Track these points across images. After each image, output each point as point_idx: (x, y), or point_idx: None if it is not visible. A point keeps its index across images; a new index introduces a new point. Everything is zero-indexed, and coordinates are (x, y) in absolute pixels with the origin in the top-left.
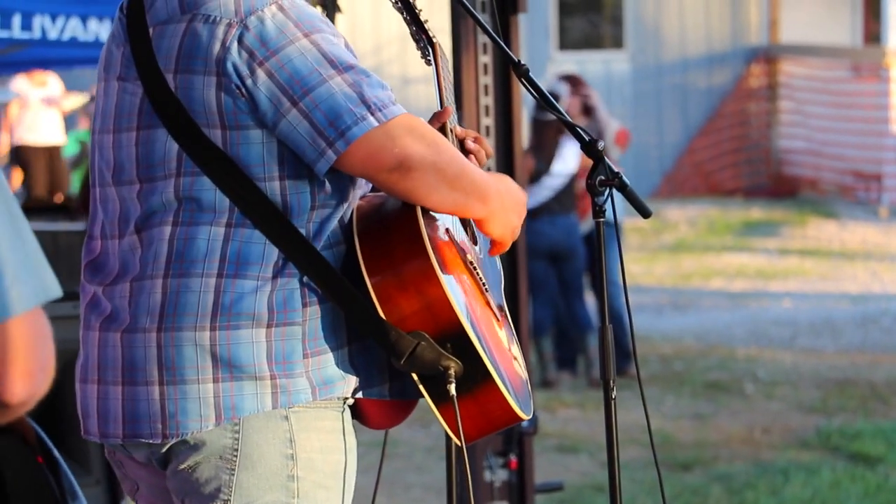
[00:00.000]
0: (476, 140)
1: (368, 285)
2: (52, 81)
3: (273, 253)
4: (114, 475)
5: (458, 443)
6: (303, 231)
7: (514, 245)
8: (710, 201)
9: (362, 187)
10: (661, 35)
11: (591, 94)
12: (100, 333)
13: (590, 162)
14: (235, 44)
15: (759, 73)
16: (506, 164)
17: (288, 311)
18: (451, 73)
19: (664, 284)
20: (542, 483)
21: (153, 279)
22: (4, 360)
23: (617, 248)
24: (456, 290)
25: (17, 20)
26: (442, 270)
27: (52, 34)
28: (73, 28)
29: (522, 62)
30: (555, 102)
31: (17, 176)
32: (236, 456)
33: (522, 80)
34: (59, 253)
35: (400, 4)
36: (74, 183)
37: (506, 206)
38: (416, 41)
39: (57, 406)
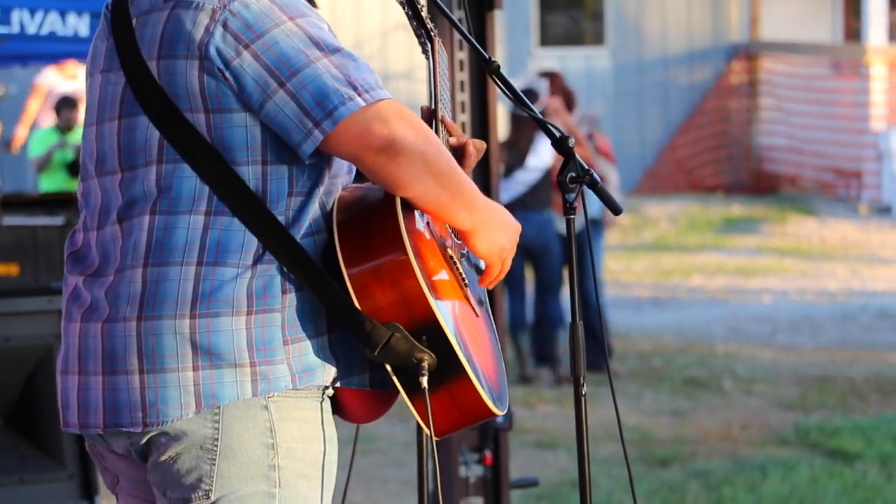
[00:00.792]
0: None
1: (345, 275)
2: (81, 74)
3: (253, 240)
4: (88, 469)
5: (428, 432)
6: (281, 218)
7: None
8: (691, 198)
9: (342, 177)
10: (643, 32)
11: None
12: (81, 325)
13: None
14: (220, 28)
15: (740, 70)
16: (482, 160)
17: (267, 298)
18: (447, 71)
19: (644, 281)
20: (517, 479)
21: (133, 269)
22: None
23: (600, 246)
24: (431, 282)
25: None
26: (418, 263)
27: (31, 29)
28: (51, 23)
29: (494, 59)
30: (525, 99)
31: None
32: (217, 446)
33: (493, 77)
34: (37, 247)
35: None
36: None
37: (494, 222)
38: (417, 36)
39: (31, 400)
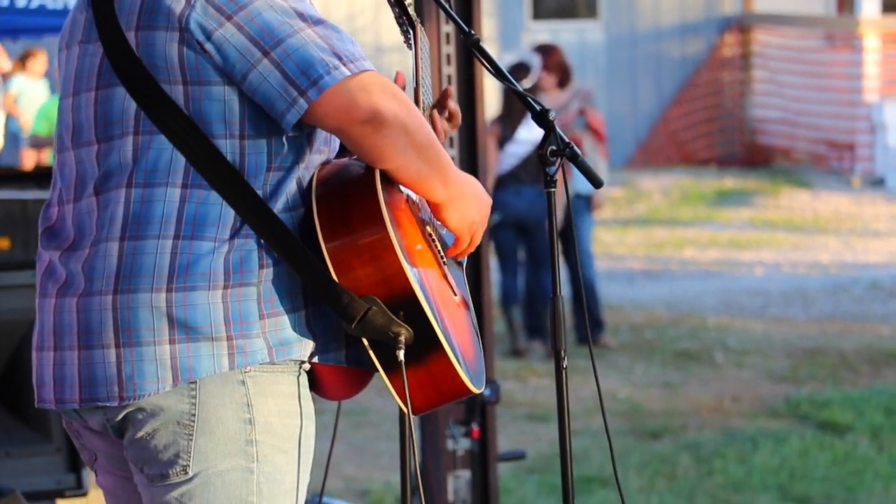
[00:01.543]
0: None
1: (323, 247)
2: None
3: (230, 214)
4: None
5: (406, 410)
6: (259, 192)
7: None
8: (684, 171)
9: (322, 154)
10: (635, 4)
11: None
12: (56, 300)
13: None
14: (201, 1)
15: (733, 43)
16: (468, 134)
17: (244, 272)
18: (429, 59)
19: (636, 253)
20: (505, 452)
21: (109, 242)
22: None
23: (589, 218)
24: (410, 257)
25: None
26: (397, 236)
27: (21, 2)
28: None
29: (474, 32)
30: (505, 72)
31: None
32: (194, 421)
33: (473, 50)
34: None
35: None
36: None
37: (466, 196)
38: (399, 24)
39: (17, 374)
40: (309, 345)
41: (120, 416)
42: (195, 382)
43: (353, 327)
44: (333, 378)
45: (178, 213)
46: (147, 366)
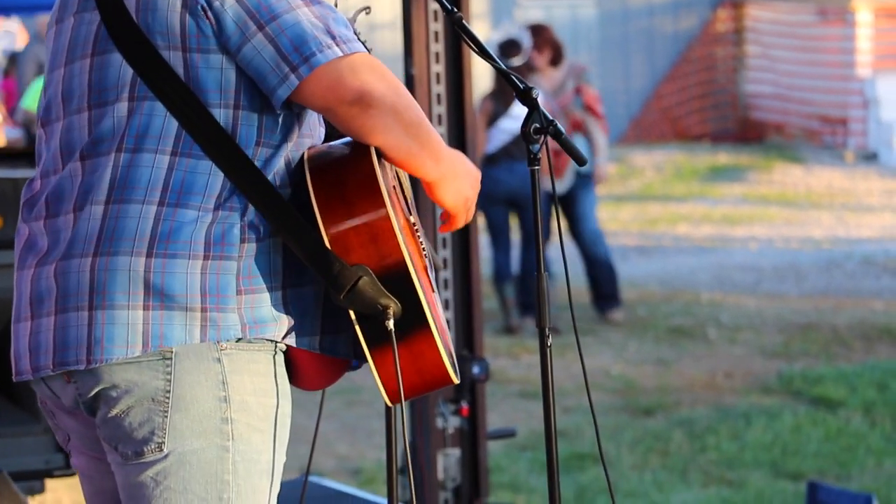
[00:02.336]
0: None
1: (317, 215)
2: None
3: (217, 184)
4: None
5: (390, 402)
6: None
7: None
8: (677, 146)
9: (311, 139)
10: None
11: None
12: (35, 269)
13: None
14: None
15: (726, 18)
16: (456, 112)
17: (225, 245)
18: None
19: (630, 230)
20: (495, 430)
21: (94, 206)
22: None
23: (593, 196)
24: (403, 234)
25: None
26: (392, 210)
27: None
28: None
29: (456, 10)
30: (488, 50)
31: None
32: (169, 398)
33: (456, 27)
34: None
35: None
36: None
37: (458, 172)
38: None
39: (5, 353)
40: (284, 326)
41: (92, 393)
42: (170, 359)
43: (341, 297)
44: (308, 365)
45: (165, 181)
46: (118, 329)
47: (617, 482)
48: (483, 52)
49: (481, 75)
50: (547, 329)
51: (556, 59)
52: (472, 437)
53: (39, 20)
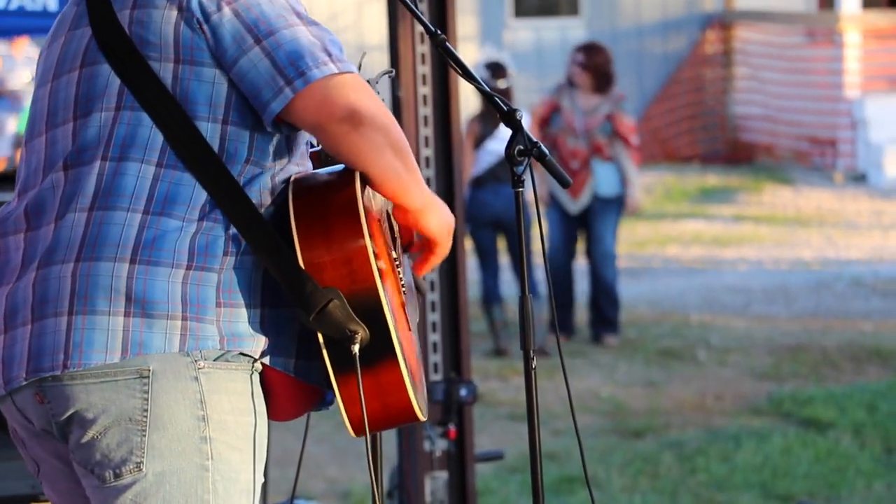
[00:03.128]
0: None
1: (294, 234)
2: None
3: (201, 197)
4: None
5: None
6: None
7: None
8: (667, 168)
9: (300, 166)
10: (617, 2)
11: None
12: (12, 285)
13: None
14: None
15: (715, 39)
16: (443, 134)
17: (208, 256)
18: None
19: (619, 252)
20: (483, 452)
21: (77, 213)
22: None
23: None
24: (378, 261)
25: None
26: (370, 236)
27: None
28: None
29: (439, 32)
30: (472, 72)
31: None
32: (146, 417)
33: (439, 49)
34: None
35: None
36: None
37: (437, 201)
38: None
39: None
40: (261, 342)
41: (66, 415)
42: (147, 377)
43: (311, 319)
44: (280, 392)
45: (150, 190)
46: (97, 335)
47: None
48: (467, 75)
49: (470, 96)
50: (532, 352)
51: (600, 86)
52: (459, 460)
53: None
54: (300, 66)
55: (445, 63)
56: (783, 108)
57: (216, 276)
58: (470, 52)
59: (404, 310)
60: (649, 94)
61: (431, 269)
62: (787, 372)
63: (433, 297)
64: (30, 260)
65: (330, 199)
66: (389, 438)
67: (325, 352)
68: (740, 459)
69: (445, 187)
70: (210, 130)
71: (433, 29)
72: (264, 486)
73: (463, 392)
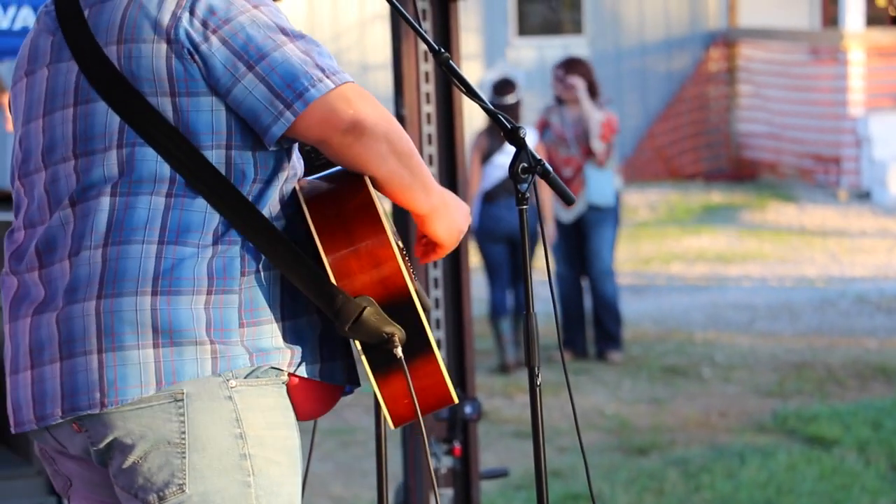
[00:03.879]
0: None
1: (319, 247)
2: None
3: (213, 220)
4: None
5: (394, 426)
6: None
7: None
8: (671, 186)
9: (296, 170)
10: (620, 20)
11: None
12: (32, 318)
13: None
14: (187, 13)
15: (719, 58)
16: (447, 152)
17: (227, 279)
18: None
19: (624, 269)
20: (487, 470)
21: (92, 250)
22: None
23: (610, 233)
24: (405, 262)
25: None
26: (393, 236)
27: (4, 24)
28: (24, 17)
29: (443, 50)
30: (475, 90)
31: None
32: (185, 439)
33: (443, 67)
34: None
35: None
36: None
37: (449, 205)
38: None
39: None
40: (287, 354)
41: (105, 442)
42: (182, 400)
43: (346, 329)
44: (303, 396)
45: (162, 220)
46: (130, 370)
47: None
48: (470, 92)
49: (476, 112)
50: (536, 368)
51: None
52: (464, 478)
53: None
54: (297, 87)
55: (449, 81)
56: (787, 125)
57: (237, 296)
58: (474, 70)
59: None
60: (653, 113)
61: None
62: (791, 389)
63: (438, 314)
64: (51, 297)
65: (347, 207)
66: (394, 456)
67: (363, 357)
68: (745, 477)
69: None
70: (216, 157)
71: (437, 47)
72: None
73: (468, 409)
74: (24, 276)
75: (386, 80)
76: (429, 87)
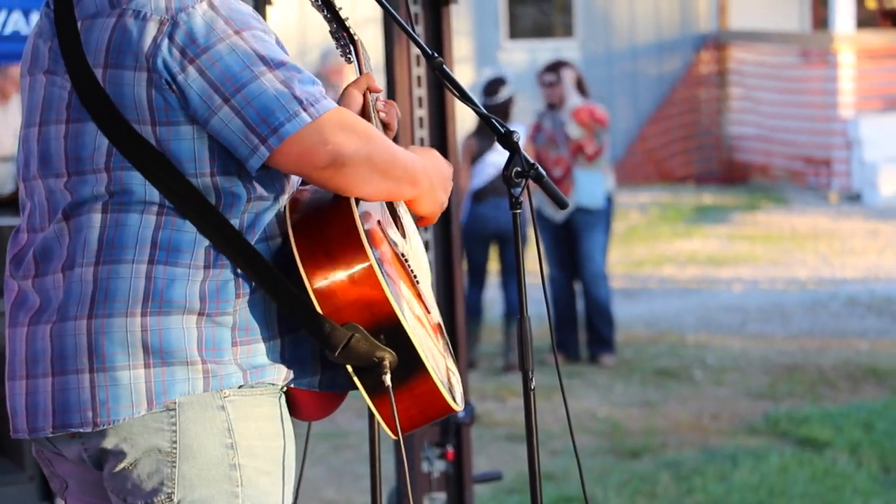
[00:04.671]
0: (386, 105)
1: (304, 277)
2: None
3: (204, 242)
4: None
5: (394, 436)
6: (236, 223)
7: (450, 232)
8: (662, 188)
9: (297, 181)
10: (611, 23)
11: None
12: (28, 328)
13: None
14: (166, 40)
15: (709, 60)
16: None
17: (220, 302)
18: (372, 69)
19: (615, 272)
20: (481, 473)
21: (84, 267)
22: None
23: (601, 236)
24: (390, 281)
25: None
26: (377, 261)
27: None
28: (15, 22)
29: (436, 54)
30: (468, 93)
31: None
32: (175, 448)
33: (436, 71)
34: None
35: (320, 2)
36: None
37: (434, 184)
38: (336, 39)
39: None
40: (283, 370)
41: (98, 448)
42: (174, 410)
43: (336, 355)
44: (308, 400)
45: (153, 238)
46: (121, 391)
47: None
48: (464, 96)
49: (467, 114)
50: (531, 372)
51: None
52: (458, 481)
53: None
54: (272, 121)
55: (441, 85)
56: (778, 128)
57: (231, 317)
58: (465, 73)
59: (421, 299)
60: (644, 115)
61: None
62: (783, 391)
63: None
64: (44, 306)
65: (329, 229)
66: (387, 459)
67: (357, 380)
68: (737, 479)
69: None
70: (202, 184)
71: (430, 52)
72: None
73: (461, 413)
74: (21, 282)
75: (379, 84)
76: (421, 92)
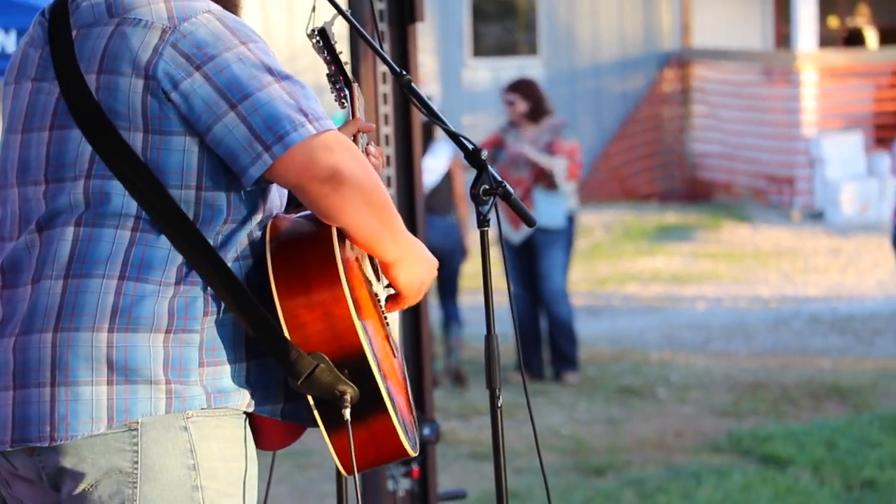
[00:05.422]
0: (377, 150)
1: (276, 301)
2: None
3: (177, 259)
4: None
5: (346, 473)
6: (211, 241)
7: None
8: (626, 206)
9: (275, 208)
10: (575, 41)
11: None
12: None
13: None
14: (169, 48)
15: (672, 78)
16: (405, 172)
17: (188, 319)
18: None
19: (579, 290)
20: (446, 491)
21: (53, 280)
22: None
23: (561, 255)
24: (361, 316)
25: None
26: (351, 295)
27: None
28: None
29: (405, 72)
30: (435, 110)
31: None
32: (137, 468)
33: (404, 89)
34: None
35: (321, 44)
36: None
37: (415, 256)
38: (333, 82)
39: None
40: (247, 395)
41: (57, 467)
42: (136, 430)
43: (298, 383)
44: (269, 428)
45: (125, 255)
46: (82, 406)
47: None
48: (431, 114)
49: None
50: (497, 390)
51: (534, 116)
52: (423, 499)
53: None
54: (277, 130)
55: (408, 102)
56: (741, 146)
57: (198, 335)
58: (429, 91)
59: (388, 341)
60: (608, 133)
61: (397, 310)
62: (746, 409)
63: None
64: (8, 318)
65: (308, 259)
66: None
67: (315, 411)
68: (700, 497)
69: (407, 225)
70: (183, 197)
71: (398, 69)
72: None
73: (426, 431)
74: None
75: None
76: (387, 109)
